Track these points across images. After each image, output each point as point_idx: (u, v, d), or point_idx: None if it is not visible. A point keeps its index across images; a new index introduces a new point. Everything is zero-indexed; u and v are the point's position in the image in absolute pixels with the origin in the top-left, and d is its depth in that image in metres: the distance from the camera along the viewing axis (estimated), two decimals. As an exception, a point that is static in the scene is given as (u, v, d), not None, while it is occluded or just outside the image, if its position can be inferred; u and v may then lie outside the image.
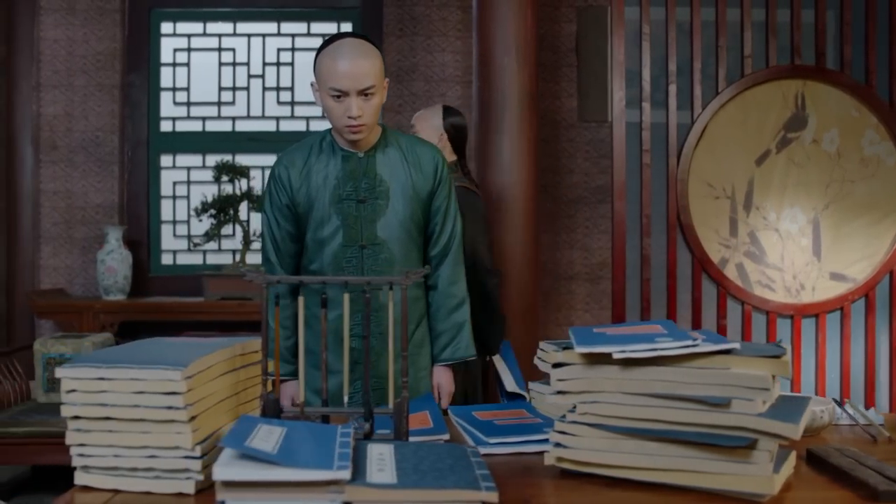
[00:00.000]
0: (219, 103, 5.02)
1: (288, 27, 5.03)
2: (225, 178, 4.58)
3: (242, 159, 4.87)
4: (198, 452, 1.27)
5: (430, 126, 3.11)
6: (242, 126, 5.02)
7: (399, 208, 2.23)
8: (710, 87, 3.63)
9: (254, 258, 4.74)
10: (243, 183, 4.70)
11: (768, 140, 3.66)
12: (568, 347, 1.40)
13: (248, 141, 4.99)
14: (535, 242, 3.72)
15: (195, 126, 5.02)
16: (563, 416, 1.39)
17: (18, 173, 4.84)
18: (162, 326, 4.62)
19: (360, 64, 2.11)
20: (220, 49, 5.03)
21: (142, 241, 4.92)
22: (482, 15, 3.70)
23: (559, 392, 1.40)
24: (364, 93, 2.13)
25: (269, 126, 5.02)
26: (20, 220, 4.84)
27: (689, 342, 1.32)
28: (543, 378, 1.87)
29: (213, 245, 4.91)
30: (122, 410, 1.28)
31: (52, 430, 3.54)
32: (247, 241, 4.60)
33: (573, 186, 4.88)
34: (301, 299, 1.43)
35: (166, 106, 5.01)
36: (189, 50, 5.02)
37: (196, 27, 5.02)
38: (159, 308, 4.49)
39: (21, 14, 4.81)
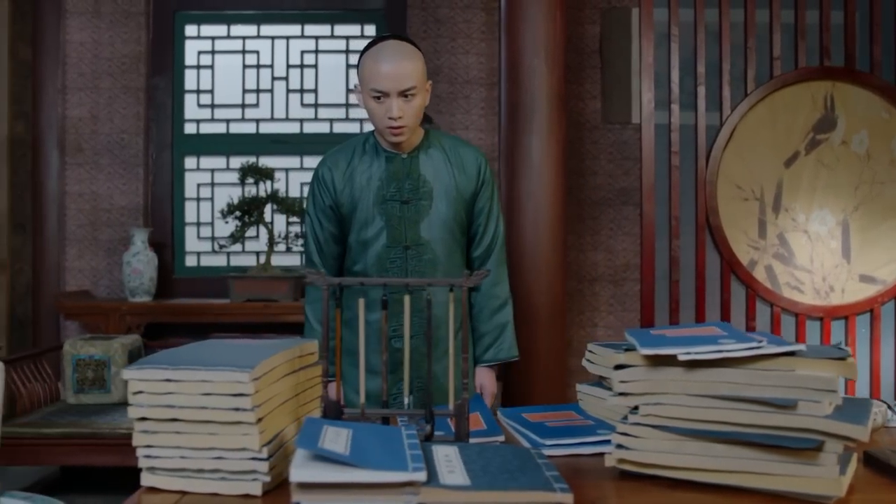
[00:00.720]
0: (243, 105, 5.04)
1: (311, 29, 5.05)
2: (250, 180, 4.59)
3: (266, 161, 4.88)
4: (265, 454, 1.28)
5: None
6: (266, 128, 5.04)
7: (442, 209, 2.24)
8: (739, 88, 3.63)
9: (279, 260, 4.75)
10: (268, 185, 4.70)
11: (797, 142, 3.65)
12: (629, 349, 1.40)
13: (272, 143, 5.00)
14: (563, 244, 3.71)
15: (219, 128, 5.04)
16: (625, 418, 1.39)
17: (44, 176, 4.87)
18: (188, 328, 4.64)
19: (402, 65, 2.12)
20: (243, 51, 5.05)
21: (166, 243, 4.94)
22: (510, 17, 3.70)
23: (621, 394, 1.40)
24: (405, 94, 2.14)
25: (293, 128, 5.04)
26: (46, 222, 4.87)
27: (754, 344, 1.31)
28: (591, 379, 1.88)
29: (236, 247, 4.92)
30: (189, 412, 1.28)
31: (82, 431, 3.56)
32: (272, 243, 4.61)
33: (597, 188, 4.88)
34: (362, 301, 1.43)
35: (190, 108, 5.03)
36: (213, 52, 5.04)
37: (220, 29, 5.04)
38: (185, 310, 4.51)
39: (47, 17, 4.84)
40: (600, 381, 1.79)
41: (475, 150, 2.33)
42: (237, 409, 1.27)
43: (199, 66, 5.04)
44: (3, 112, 4.82)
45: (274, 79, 5.04)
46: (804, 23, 3.62)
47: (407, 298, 1.43)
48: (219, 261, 5.03)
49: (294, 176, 5.01)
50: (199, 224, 5.05)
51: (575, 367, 4.43)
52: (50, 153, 4.88)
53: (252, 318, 4.42)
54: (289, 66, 5.05)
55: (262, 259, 4.88)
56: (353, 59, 5.06)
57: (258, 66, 5.05)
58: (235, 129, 5.04)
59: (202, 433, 1.29)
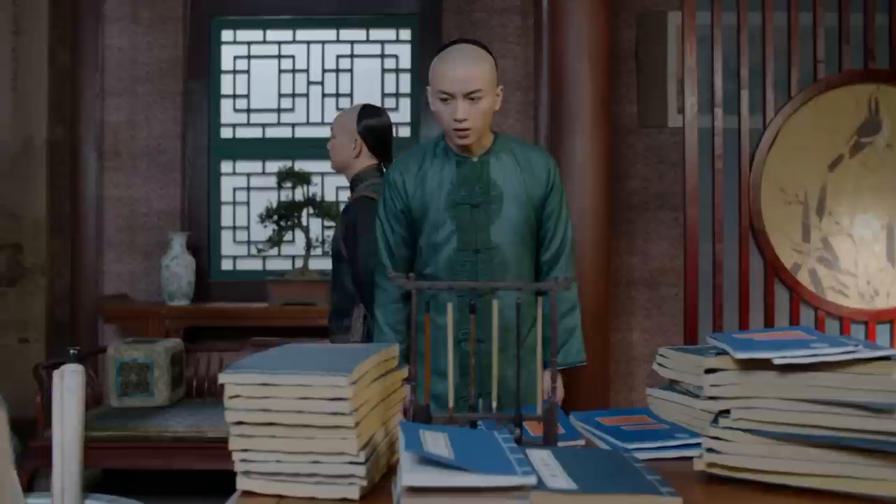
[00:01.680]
0: (278, 110, 5.07)
1: (347, 34, 5.07)
2: (287, 184, 4.61)
3: (302, 165, 4.90)
4: (362, 458, 1.28)
5: (345, 130, 2.97)
6: (302, 132, 5.06)
7: (512, 213, 2.25)
8: (782, 92, 3.61)
9: (316, 264, 4.77)
10: (306, 189, 4.72)
11: (841, 145, 3.63)
12: (720, 353, 1.40)
13: (308, 147, 5.02)
14: (607, 247, 3.71)
15: (255, 133, 5.07)
16: (716, 422, 1.39)
17: (83, 180, 4.91)
18: (225, 332, 4.66)
19: (468, 68, 2.15)
20: (279, 56, 5.07)
21: (202, 247, 4.96)
22: (554, 20, 3.70)
23: (711, 398, 1.40)
24: (470, 96, 2.16)
25: (328, 132, 5.02)
26: (84, 226, 4.91)
27: (850, 348, 1.31)
28: (661, 383, 1.88)
29: (272, 251, 4.94)
30: (286, 416, 1.29)
31: (126, 434, 3.59)
32: (309, 247, 4.63)
33: (633, 192, 4.87)
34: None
35: (226, 113, 5.06)
36: (249, 57, 5.07)
37: (256, 34, 5.07)
38: (224, 314, 4.53)
39: (86, 23, 4.88)
40: (671, 385, 1.79)
41: (545, 155, 2.34)
42: (335, 414, 1.28)
43: (235, 71, 5.07)
44: (42, 117, 4.86)
45: (309, 83, 5.07)
46: (848, 25, 3.61)
47: (495, 304, 1.44)
48: (254, 265, 5.05)
49: (329, 180, 5.03)
50: (234, 228, 5.07)
51: (614, 372, 4.42)
52: (88, 158, 4.91)
53: (290, 322, 4.44)
54: (324, 71, 5.07)
55: (297, 263, 4.90)
56: (389, 63, 5.08)
57: (294, 71, 5.07)
58: (271, 133, 5.07)
59: (299, 437, 1.29)
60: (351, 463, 1.28)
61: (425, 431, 1.28)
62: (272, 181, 4.87)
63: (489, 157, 2.27)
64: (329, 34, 5.07)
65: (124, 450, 3.60)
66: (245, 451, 1.32)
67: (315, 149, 5.01)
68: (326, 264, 4.91)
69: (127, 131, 4.94)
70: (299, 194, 4.70)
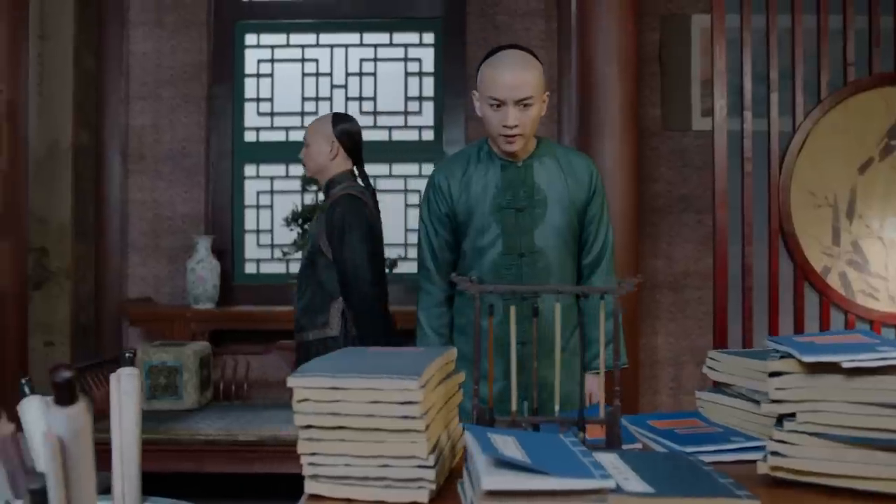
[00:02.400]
0: (302, 113, 5.08)
1: (370, 38, 5.08)
2: (312, 187, 4.62)
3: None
4: (431, 462, 1.29)
5: (321, 136, 3.05)
6: (325, 136, 5.07)
7: (556, 217, 2.26)
8: (811, 95, 3.61)
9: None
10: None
11: (871, 148, 3.63)
12: (785, 356, 1.40)
13: (331, 151, 5.02)
14: (635, 250, 3.71)
15: (278, 136, 5.09)
16: (780, 425, 1.39)
17: (107, 184, 4.93)
18: (249, 335, 4.67)
19: (519, 75, 2.16)
20: (303, 60, 5.09)
21: (226, 250, 4.98)
22: (582, 24, 3.71)
23: (775, 401, 1.40)
24: (521, 103, 2.17)
25: (352, 136, 5.06)
26: (109, 230, 4.93)
27: (918, 352, 1.31)
28: (711, 386, 1.88)
29: (296, 254, 4.95)
30: (355, 420, 1.29)
31: (157, 437, 3.60)
32: (334, 251, 4.63)
33: (656, 195, 4.87)
34: (513, 309, 1.44)
35: (250, 117, 5.08)
36: (273, 61, 5.09)
37: (280, 38, 5.09)
38: (249, 317, 4.54)
39: (111, 27, 4.90)
40: (720, 388, 1.80)
41: (587, 159, 2.35)
42: (405, 417, 1.28)
43: (258, 75, 5.09)
44: (67, 121, 4.88)
45: (333, 87, 5.08)
46: (878, 27, 3.60)
47: (557, 307, 1.44)
48: (277, 268, 5.06)
49: (353, 183, 5.03)
50: (258, 231, 5.09)
51: (639, 376, 4.41)
52: (113, 162, 4.94)
53: (316, 325, 4.44)
54: (347, 75, 5.08)
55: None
56: (412, 66, 5.09)
57: (317, 75, 5.09)
58: (295, 136, 5.08)
59: (369, 441, 1.29)
60: (420, 466, 1.29)
61: (493, 435, 1.28)
62: (296, 184, 4.88)
63: (533, 162, 2.28)
64: (352, 38, 5.08)
65: (155, 453, 3.60)
66: (313, 454, 1.32)
67: (338, 152, 5.03)
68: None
69: (151, 135, 4.96)
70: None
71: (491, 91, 2.16)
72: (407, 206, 5.05)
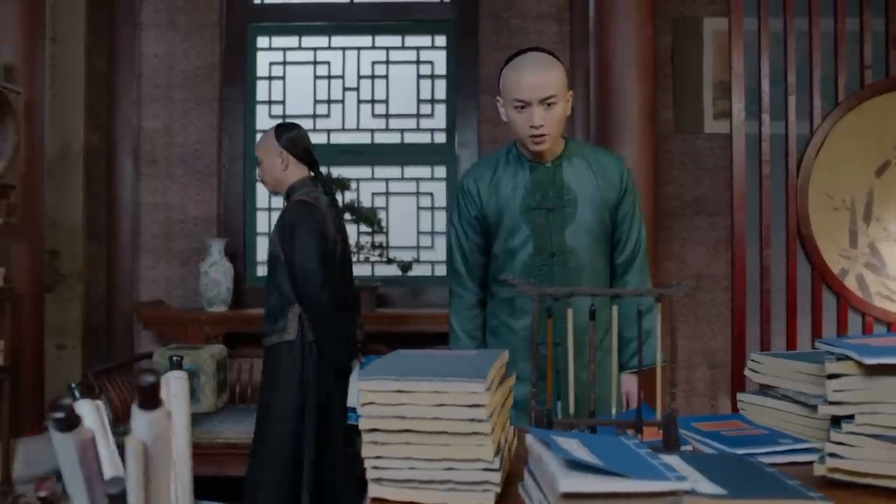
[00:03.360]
0: (314, 116, 5.08)
1: (382, 40, 5.09)
2: (327, 190, 4.62)
3: (337, 172, 4.91)
4: (497, 464, 1.29)
5: (269, 150, 3.11)
6: (337, 139, 5.08)
7: (587, 216, 2.27)
8: (828, 98, 3.63)
9: (357, 270, 4.76)
10: (343, 196, 4.73)
11: (888, 150, 3.64)
12: (842, 358, 1.41)
13: (343, 153, 5.03)
14: (653, 253, 3.72)
15: (291, 139, 5.07)
16: (838, 427, 1.40)
17: (119, 186, 4.92)
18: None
19: (542, 75, 2.18)
20: (315, 62, 5.09)
21: (238, 253, 4.98)
22: (601, 28, 3.73)
23: (833, 403, 1.41)
24: (546, 102, 2.18)
25: (364, 138, 5.08)
26: (120, 232, 4.92)
27: (979, 355, 1.32)
28: (754, 388, 1.89)
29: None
30: (421, 423, 1.30)
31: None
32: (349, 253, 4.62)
33: (669, 198, 4.88)
34: (570, 312, 1.44)
35: (262, 119, 5.08)
36: (285, 63, 5.09)
37: (292, 41, 5.09)
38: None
39: (123, 30, 4.90)
40: (763, 390, 1.80)
41: (617, 158, 2.37)
42: (472, 420, 1.28)
43: (270, 78, 5.09)
44: (79, 123, 4.88)
45: (345, 89, 5.08)
46: (895, 30, 3.62)
47: (614, 309, 1.44)
48: (289, 270, 5.05)
49: (365, 186, 5.04)
50: (270, 234, 5.08)
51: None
52: (124, 164, 4.93)
53: (330, 328, 4.44)
54: (360, 77, 5.09)
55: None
56: (424, 69, 5.10)
57: (329, 77, 5.09)
58: (307, 139, 5.08)
59: (434, 444, 1.30)
60: (486, 469, 1.29)
61: (558, 437, 1.29)
62: (311, 187, 4.87)
63: (562, 162, 2.29)
64: (364, 40, 5.08)
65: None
66: (377, 458, 1.32)
67: (351, 155, 5.04)
68: (365, 271, 4.93)
69: (163, 138, 4.96)
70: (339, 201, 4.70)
71: (515, 93, 2.18)
72: (419, 208, 5.05)
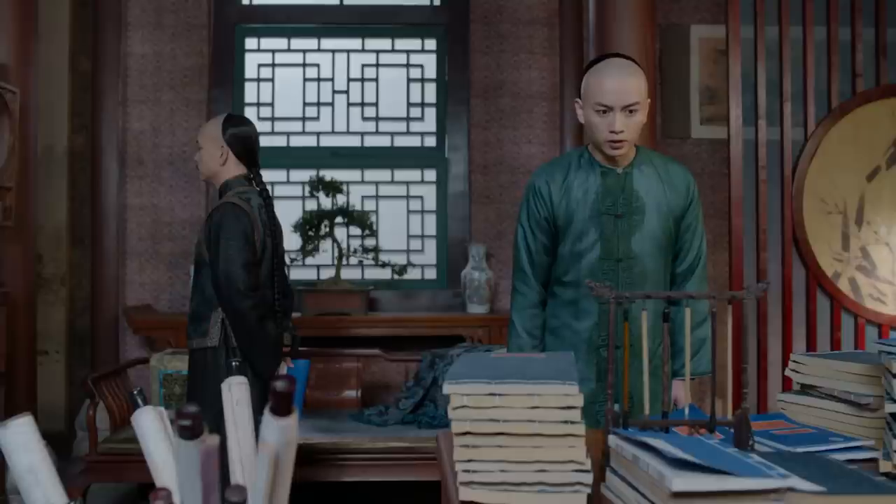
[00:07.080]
0: (303, 118, 5.06)
1: (372, 43, 5.08)
2: (322, 193, 4.60)
3: (326, 174, 4.89)
4: (588, 465, 1.31)
5: (210, 139, 2.96)
6: (326, 141, 5.06)
7: (653, 224, 2.31)
8: (821, 105, 3.71)
9: (348, 273, 4.76)
10: (334, 198, 4.71)
11: (878, 156, 3.74)
12: (909, 359, 1.45)
13: (333, 156, 5.02)
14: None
15: (279, 141, 5.06)
16: (904, 427, 1.44)
17: (104, 189, 4.84)
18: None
19: (626, 81, 2.21)
20: (304, 64, 5.07)
21: (226, 257, 4.92)
22: (600, 34, 3.76)
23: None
24: (628, 109, 2.22)
25: (354, 141, 5.07)
26: (105, 236, 4.84)
27: None
28: (794, 388, 1.94)
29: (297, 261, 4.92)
30: (514, 425, 1.31)
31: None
32: (342, 257, 4.62)
33: (656, 201, 4.95)
34: (644, 314, 1.47)
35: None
36: (273, 65, 5.06)
37: (280, 43, 5.06)
38: (255, 323, 4.49)
39: (107, 30, 4.83)
40: (805, 390, 1.86)
41: (684, 169, 2.41)
42: (566, 422, 1.30)
43: (259, 79, 5.06)
44: (63, 125, 4.81)
45: (335, 92, 5.07)
46: (885, 40, 3.72)
47: (687, 311, 1.47)
48: (278, 274, 5.01)
49: (355, 189, 5.03)
50: (258, 237, 5.04)
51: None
52: (109, 166, 4.85)
53: (325, 332, 4.43)
54: (349, 80, 5.08)
55: (323, 273, 4.89)
56: (414, 73, 5.10)
57: (319, 80, 5.07)
58: (296, 142, 5.06)
59: (527, 446, 1.31)
60: (578, 471, 1.31)
61: (647, 438, 1.31)
62: (297, 190, 4.87)
63: (632, 169, 2.33)
64: (354, 43, 5.07)
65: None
66: (469, 461, 1.33)
67: (341, 158, 5.02)
68: (351, 274, 4.92)
69: (150, 139, 4.90)
70: (327, 203, 4.69)
71: (598, 97, 2.21)
72: (409, 212, 5.06)
